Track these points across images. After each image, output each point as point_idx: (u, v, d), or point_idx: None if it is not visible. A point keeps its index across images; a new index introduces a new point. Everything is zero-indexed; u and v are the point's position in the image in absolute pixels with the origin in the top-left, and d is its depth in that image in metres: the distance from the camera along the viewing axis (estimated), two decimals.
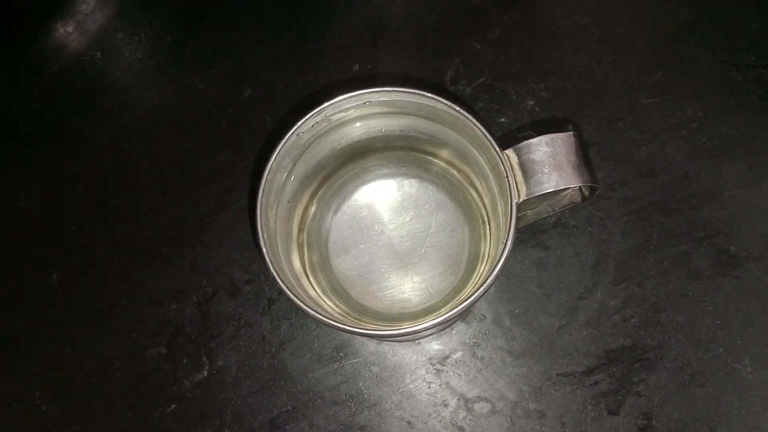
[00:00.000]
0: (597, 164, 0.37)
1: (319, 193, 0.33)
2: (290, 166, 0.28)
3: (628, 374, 0.34)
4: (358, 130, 0.31)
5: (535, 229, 0.36)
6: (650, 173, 0.37)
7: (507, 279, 0.36)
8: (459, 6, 0.41)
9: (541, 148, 0.24)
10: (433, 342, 0.35)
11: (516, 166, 0.25)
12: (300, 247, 0.32)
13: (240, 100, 0.40)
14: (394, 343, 0.35)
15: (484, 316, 0.35)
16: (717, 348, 0.34)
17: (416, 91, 0.25)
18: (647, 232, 0.36)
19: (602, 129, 0.38)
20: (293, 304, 0.24)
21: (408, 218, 0.34)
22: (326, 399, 0.34)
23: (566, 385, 0.34)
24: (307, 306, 0.24)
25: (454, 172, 0.33)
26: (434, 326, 0.24)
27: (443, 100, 0.25)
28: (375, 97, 0.26)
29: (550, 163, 0.24)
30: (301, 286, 0.27)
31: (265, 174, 0.25)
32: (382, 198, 0.34)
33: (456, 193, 0.34)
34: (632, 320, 0.35)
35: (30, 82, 0.42)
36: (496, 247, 0.27)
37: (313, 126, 0.27)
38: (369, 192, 0.34)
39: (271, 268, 0.24)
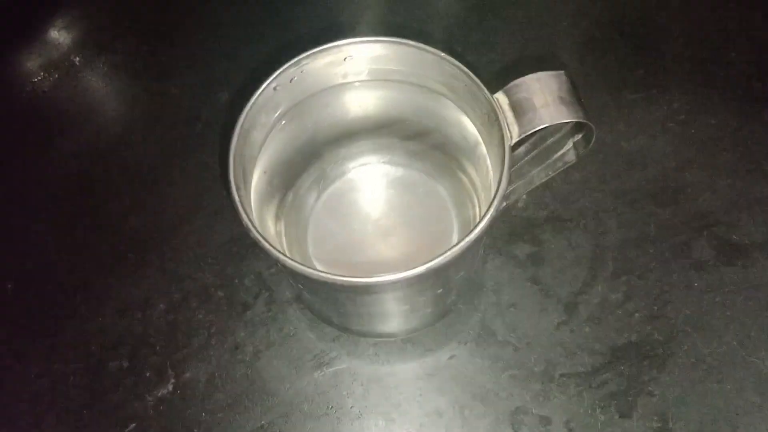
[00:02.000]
0: (586, 157, 0.36)
1: (299, 180, 0.31)
2: (267, 129, 0.26)
3: (637, 373, 0.31)
4: (341, 108, 0.29)
5: (528, 224, 0.34)
6: (642, 165, 0.36)
7: (501, 274, 0.33)
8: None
9: (531, 86, 0.23)
10: (425, 344, 0.32)
11: (506, 108, 0.23)
12: (278, 235, 0.30)
13: (216, 104, 0.38)
14: (382, 342, 0.32)
15: (479, 314, 0.32)
16: (730, 341, 0.31)
17: (399, 40, 0.24)
18: (644, 223, 0.34)
19: None
20: (255, 240, 0.21)
21: (394, 205, 0.32)
22: (305, 411, 0.31)
23: (571, 386, 0.31)
24: (275, 248, 0.21)
25: (442, 155, 0.31)
26: (418, 277, 0.21)
27: (428, 48, 0.24)
28: (355, 50, 0.25)
29: (542, 101, 0.23)
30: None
31: (241, 119, 0.23)
32: (367, 185, 0.32)
33: (444, 178, 0.32)
34: (637, 314, 0.32)
35: None
36: None
37: (291, 82, 0.25)
38: (353, 179, 0.32)
39: (234, 192, 0.21)
